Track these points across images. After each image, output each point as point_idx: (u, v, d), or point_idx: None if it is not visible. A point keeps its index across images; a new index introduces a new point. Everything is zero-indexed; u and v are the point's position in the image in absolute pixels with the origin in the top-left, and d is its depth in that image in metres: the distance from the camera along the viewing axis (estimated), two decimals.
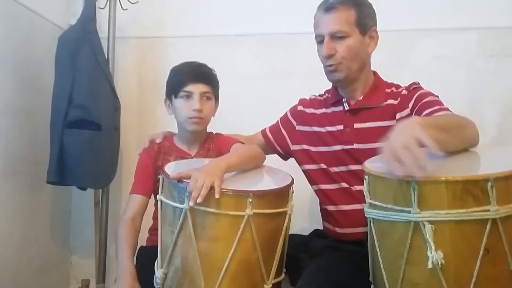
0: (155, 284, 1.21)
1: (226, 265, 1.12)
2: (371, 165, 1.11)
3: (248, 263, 1.15)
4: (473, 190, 0.92)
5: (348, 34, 1.35)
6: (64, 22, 2.09)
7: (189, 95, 1.42)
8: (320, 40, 1.39)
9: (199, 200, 1.10)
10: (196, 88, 1.42)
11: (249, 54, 2.10)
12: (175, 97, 1.43)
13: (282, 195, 1.22)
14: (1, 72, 1.73)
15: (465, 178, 0.94)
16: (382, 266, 1.05)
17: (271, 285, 1.18)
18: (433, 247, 0.92)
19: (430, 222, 0.94)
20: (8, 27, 1.76)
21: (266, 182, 1.31)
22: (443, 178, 0.94)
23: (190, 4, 2.14)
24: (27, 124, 1.87)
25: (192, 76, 1.43)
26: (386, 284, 1.04)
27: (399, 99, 1.39)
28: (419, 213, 0.94)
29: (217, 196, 1.10)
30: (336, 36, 1.35)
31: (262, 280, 1.17)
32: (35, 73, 1.92)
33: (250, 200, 1.11)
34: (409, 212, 0.96)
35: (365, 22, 1.37)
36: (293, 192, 1.25)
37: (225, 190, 1.12)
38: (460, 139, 1.12)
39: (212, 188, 1.10)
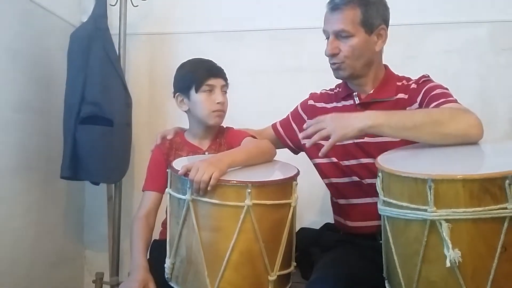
0: (165, 275, 1.23)
1: (228, 255, 1.13)
2: (384, 161, 1.10)
3: (250, 254, 1.15)
4: (491, 188, 0.91)
5: (352, 34, 1.35)
6: (76, 19, 2.11)
7: (211, 89, 1.44)
8: (326, 36, 1.40)
9: (200, 193, 1.13)
10: (217, 82, 1.45)
11: (258, 49, 2.11)
12: (196, 91, 1.44)
13: (284, 186, 1.22)
14: (14, 69, 1.75)
15: (482, 176, 0.92)
16: (397, 263, 1.05)
17: (275, 276, 1.18)
18: (450, 246, 0.91)
19: (446, 220, 0.93)
20: (21, 25, 1.78)
21: (268, 174, 1.31)
22: (460, 176, 0.93)
23: (200, 0, 2.15)
24: (40, 120, 1.89)
25: (213, 71, 1.46)
26: (402, 281, 1.03)
27: (408, 93, 1.39)
28: (436, 212, 0.94)
29: (209, 188, 1.12)
30: (340, 35, 1.36)
31: (266, 272, 1.17)
32: (48, 70, 1.94)
33: (249, 190, 1.12)
34: (425, 210, 0.95)
35: (371, 22, 1.36)
36: (296, 184, 1.25)
37: (225, 180, 1.14)
38: (438, 136, 1.14)
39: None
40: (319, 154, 1.25)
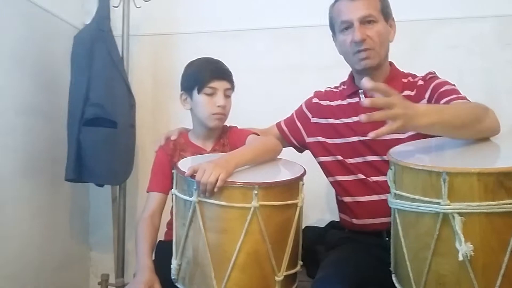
0: (172, 276, 1.23)
1: (235, 257, 1.12)
2: (397, 154, 1.09)
3: (257, 255, 1.14)
4: (506, 182, 0.90)
5: (377, 20, 1.36)
6: (79, 21, 2.11)
7: (213, 92, 1.43)
8: (345, 27, 1.37)
9: (207, 195, 1.13)
10: (221, 85, 1.44)
11: (261, 48, 2.11)
12: (198, 92, 1.44)
13: (291, 187, 1.21)
14: (19, 72, 1.76)
15: (498, 170, 0.91)
16: (406, 256, 1.04)
17: (282, 277, 1.17)
18: (462, 240, 0.90)
19: (460, 214, 0.92)
20: (24, 28, 1.79)
21: (275, 174, 1.30)
22: (475, 169, 0.92)
23: (202, 0, 2.15)
24: (44, 123, 1.90)
25: (217, 73, 1.44)
26: (411, 274, 1.03)
27: (415, 90, 1.38)
28: (449, 205, 0.93)
29: (215, 190, 1.12)
30: (366, 21, 1.35)
31: (273, 272, 1.16)
32: (52, 72, 1.95)
33: (256, 192, 1.11)
34: (438, 203, 0.94)
35: (387, 10, 1.39)
36: (303, 185, 1.24)
37: (231, 182, 1.13)
38: (474, 133, 1.12)
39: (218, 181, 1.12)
40: (371, 135, 1.00)
